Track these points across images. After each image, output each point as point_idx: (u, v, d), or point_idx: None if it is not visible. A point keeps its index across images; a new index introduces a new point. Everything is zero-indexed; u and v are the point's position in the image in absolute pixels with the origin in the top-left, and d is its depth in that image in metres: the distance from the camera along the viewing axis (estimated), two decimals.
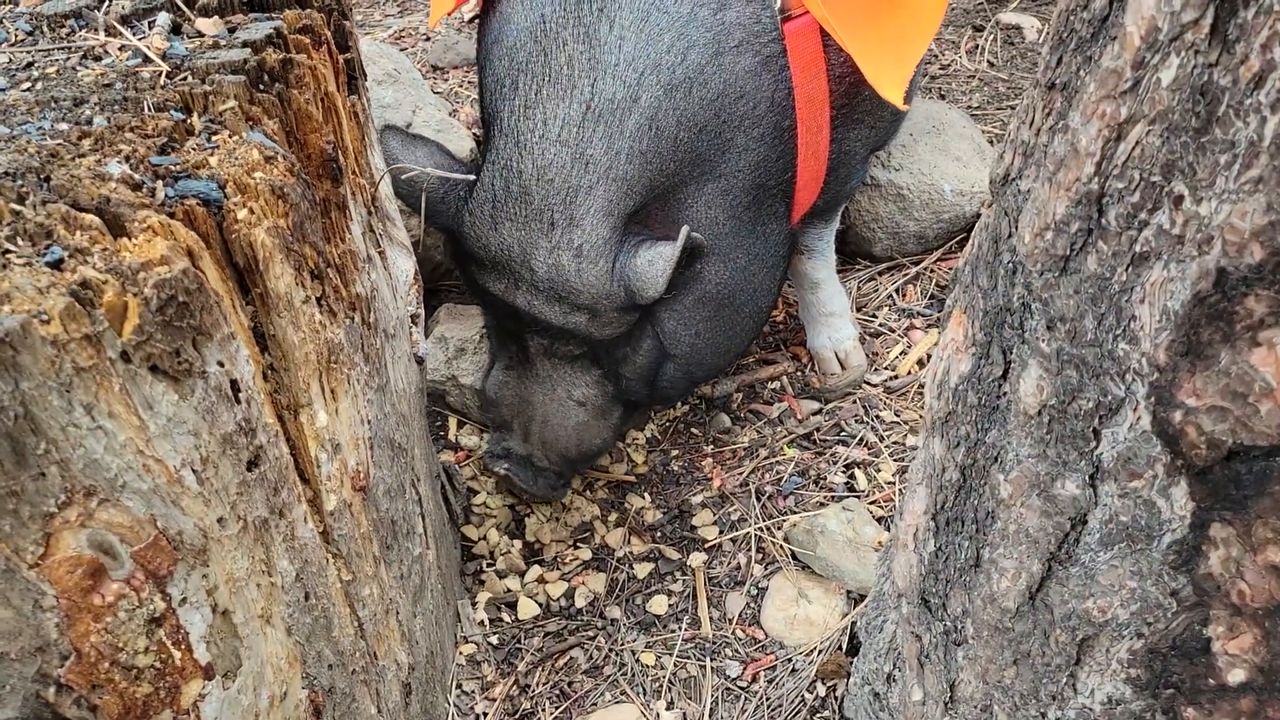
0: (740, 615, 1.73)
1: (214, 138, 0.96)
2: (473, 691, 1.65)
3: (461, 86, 3.31)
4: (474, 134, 2.71)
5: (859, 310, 2.29)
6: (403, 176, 1.53)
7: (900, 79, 1.66)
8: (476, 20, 3.70)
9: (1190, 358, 0.76)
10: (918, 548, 1.16)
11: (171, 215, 0.86)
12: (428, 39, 3.64)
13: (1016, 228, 0.92)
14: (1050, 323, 0.88)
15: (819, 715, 1.56)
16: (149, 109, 0.97)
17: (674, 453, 2.03)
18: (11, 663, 0.79)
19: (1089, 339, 0.85)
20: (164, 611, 0.88)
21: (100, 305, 0.77)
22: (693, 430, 2.08)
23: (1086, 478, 0.90)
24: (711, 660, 1.67)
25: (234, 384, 0.90)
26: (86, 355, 0.76)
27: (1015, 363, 0.93)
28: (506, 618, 1.78)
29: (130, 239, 0.82)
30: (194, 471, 0.88)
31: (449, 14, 2.20)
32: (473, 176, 1.56)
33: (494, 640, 1.73)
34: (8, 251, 0.79)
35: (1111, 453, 0.86)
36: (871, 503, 1.84)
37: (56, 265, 0.78)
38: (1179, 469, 0.81)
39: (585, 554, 1.86)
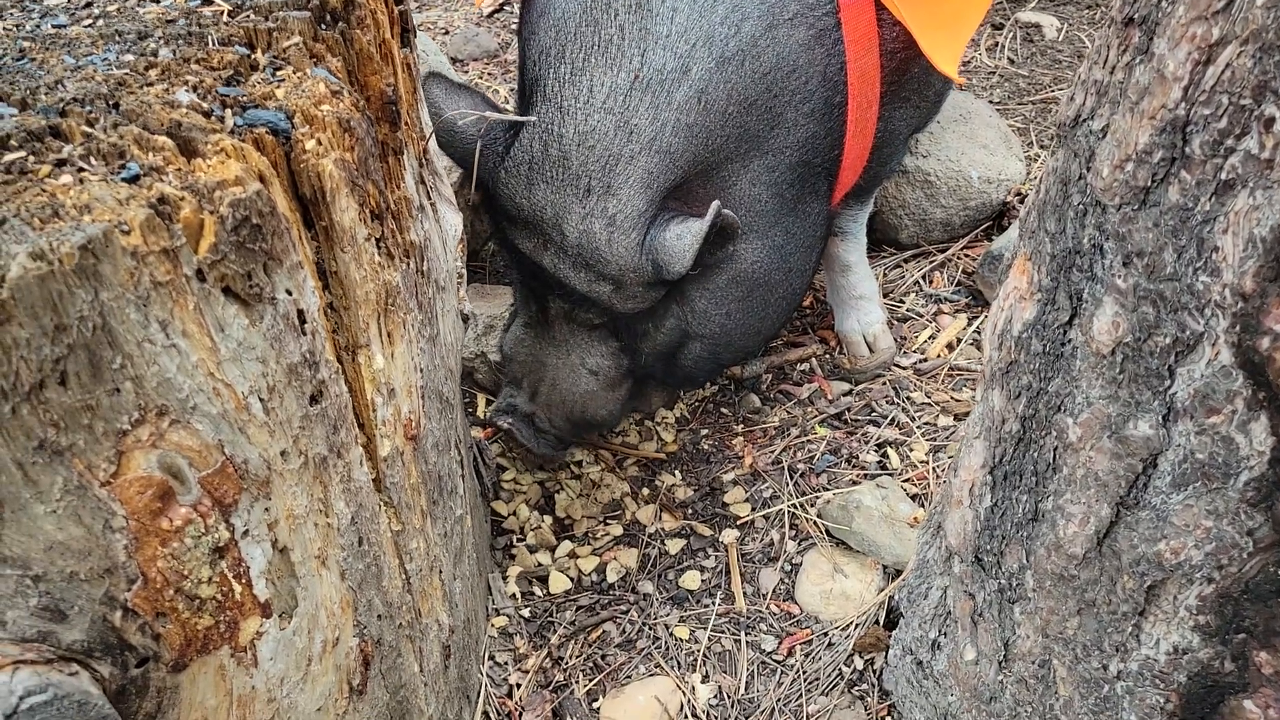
0: (774, 590, 1.71)
1: (278, 73, 0.96)
2: (505, 663, 1.63)
3: (481, 78, 3.31)
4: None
5: (886, 296, 2.29)
6: (461, 121, 1.52)
7: (954, 54, 1.66)
8: (504, 8, 3.72)
9: None
10: (974, 503, 1.15)
11: (242, 141, 0.85)
12: (446, 32, 3.65)
13: (1089, 168, 0.91)
14: (1127, 258, 0.87)
15: (856, 688, 1.54)
16: (213, 43, 0.97)
17: (704, 432, 2.02)
18: (81, 583, 0.78)
19: (1168, 273, 0.84)
20: (227, 542, 0.87)
21: (178, 221, 0.76)
22: (722, 410, 2.07)
23: (1160, 418, 0.89)
24: (746, 634, 1.65)
25: (300, 314, 0.90)
26: (164, 270, 0.76)
27: (1087, 303, 0.93)
28: (538, 591, 1.76)
29: (204, 159, 0.81)
30: (261, 400, 0.87)
31: None
32: (532, 118, 1.55)
33: (526, 613, 1.72)
34: (81, 170, 0.79)
35: (1187, 390, 0.86)
36: (905, 480, 1.82)
37: (133, 181, 0.77)
38: (1261, 402, 0.81)
39: (616, 530, 1.85)
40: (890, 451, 1.90)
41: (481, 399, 2.08)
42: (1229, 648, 0.93)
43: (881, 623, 1.60)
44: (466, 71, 3.35)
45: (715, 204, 1.50)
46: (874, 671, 1.55)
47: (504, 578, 1.77)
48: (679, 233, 1.53)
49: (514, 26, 3.02)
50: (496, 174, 1.59)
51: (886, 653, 1.53)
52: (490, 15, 3.74)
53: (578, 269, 1.59)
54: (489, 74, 3.34)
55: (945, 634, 1.31)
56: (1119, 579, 0.96)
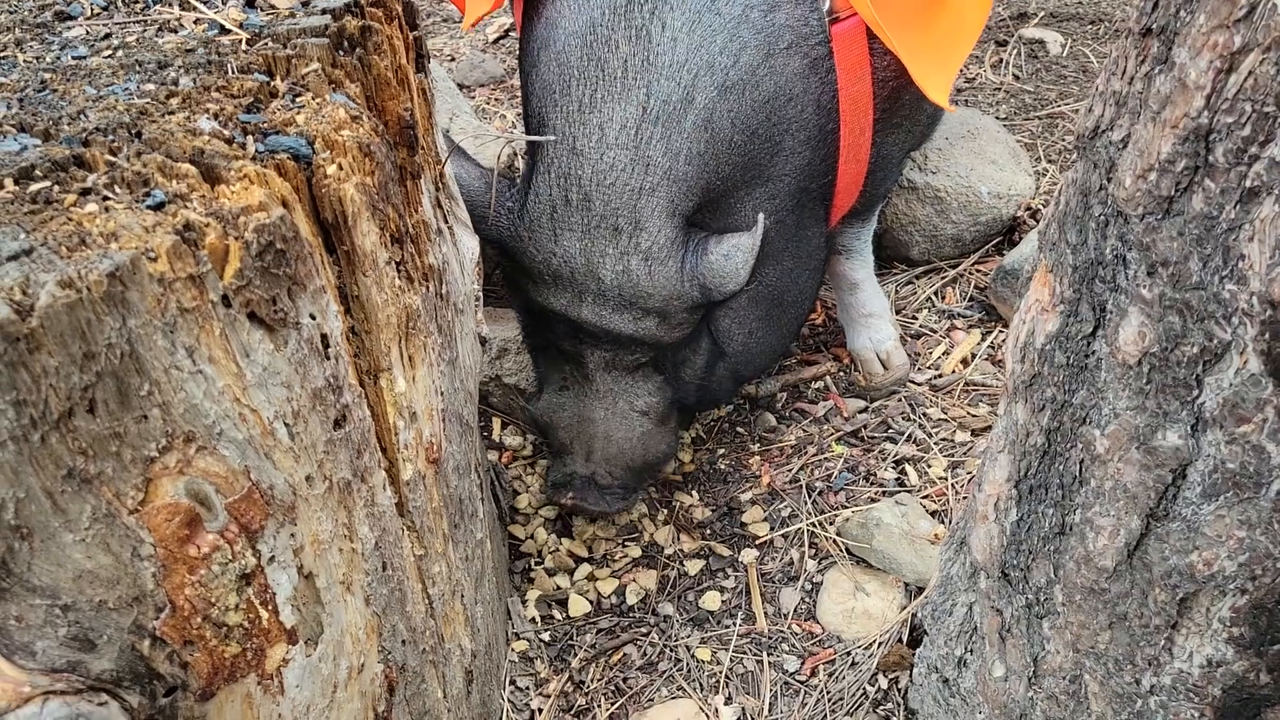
0: (796, 610, 1.70)
1: (298, 99, 0.96)
2: (527, 688, 1.62)
3: (488, 104, 3.33)
4: (510, 146, 2.72)
5: (899, 313, 2.28)
6: (477, 139, 1.52)
7: (945, 82, 1.66)
8: (509, 34, 3.74)
9: None
10: (999, 518, 1.14)
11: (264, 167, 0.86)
12: (452, 59, 3.67)
13: (1110, 179, 0.91)
14: (1151, 268, 0.86)
15: (881, 708, 1.53)
16: (233, 71, 0.97)
17: (720, 451, 2.02)
18: (109, 611, 0.77)
19: (1193, 282, 0.84)
20: (254, 568, 0.87)
21: (204, 247, 0.77)
22: (738, 430, 2.06)
23: (1189, 428, 0.88)
24: (768, 655, 1.64)
25: (324, 339, 0.90)
26: (190, 296, 0.76)
27: (1111, 313, 0.92)
28: (558, 615, 1.75)
29: (227, 186, 0.82)
30: (286, 425, 0.87)
31: (486, 15, 2.19)
32: (552, 137, 1.54)
33: (546, 637, 1.71)
34: (106, 198, 0.79)
35: (1216, 399, 0.85)
36: (924, 497, 1.82)
37: (158, 208, 0.78)
38: None
39: (635, 551, 1.84)
40: (908, 468, 1.89)
41: (496, 421, 2.08)
42: (1264, 659, 0.92)
43: (905, 640, 1.59)
44: (473, 97, 3.37)
45: (761, 216, 1.54)
46: (899, 690, 1.54)
47: (523, 601, 1.77)
48: (727, 252, 1.55)
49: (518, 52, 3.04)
50: (516, 233, 1.60)
51: (911, 671, 1.52)
52: (495, 41, 3.77)
53: (621, 310, 1.59)
54: (495, 99, 3.36)
55: (972, 651, 1.30)
56: (1150, 591, 0.96)
